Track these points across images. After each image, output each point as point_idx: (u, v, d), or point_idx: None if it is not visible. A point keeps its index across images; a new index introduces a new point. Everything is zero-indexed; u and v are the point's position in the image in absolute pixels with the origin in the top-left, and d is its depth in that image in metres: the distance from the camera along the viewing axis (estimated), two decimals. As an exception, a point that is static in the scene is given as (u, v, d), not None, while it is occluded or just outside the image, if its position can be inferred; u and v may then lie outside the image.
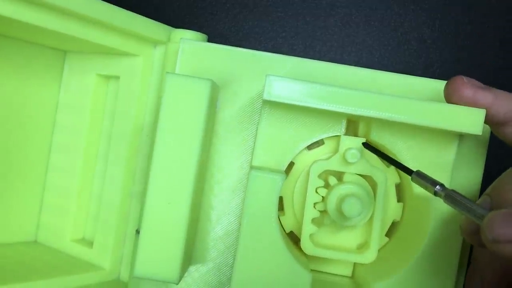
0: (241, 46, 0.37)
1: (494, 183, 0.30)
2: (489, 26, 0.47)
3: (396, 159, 0.34)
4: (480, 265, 0.33)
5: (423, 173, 0.29)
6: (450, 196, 0.28)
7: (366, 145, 0.33)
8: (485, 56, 0.46)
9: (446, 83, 0.32)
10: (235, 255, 0.32)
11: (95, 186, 0.44)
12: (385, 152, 0.35)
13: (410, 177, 0.31)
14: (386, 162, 0.35)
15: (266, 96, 0.31)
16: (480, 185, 0.36)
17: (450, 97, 0.32)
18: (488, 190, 0.30)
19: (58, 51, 0.43)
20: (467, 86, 0.31)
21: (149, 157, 0.40)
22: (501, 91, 0.31)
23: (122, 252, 0.41)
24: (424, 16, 0.47)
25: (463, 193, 0.35)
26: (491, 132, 0.34)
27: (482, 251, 0.33)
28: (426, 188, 0.29)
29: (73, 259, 0.42)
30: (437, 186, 0.28)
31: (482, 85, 0.31)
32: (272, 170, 0.33)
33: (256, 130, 0.35)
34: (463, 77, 0.31)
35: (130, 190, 0.41)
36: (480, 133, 0.30)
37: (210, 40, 0.40)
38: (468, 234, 0.29)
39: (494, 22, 0.46)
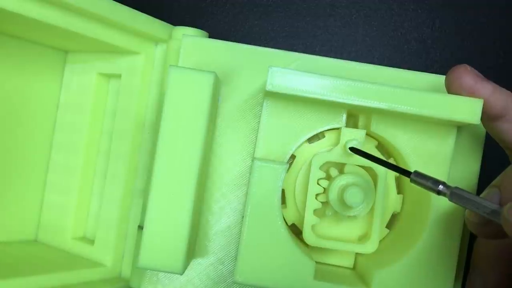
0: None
1: (502, 174, 0.30)
2: (489, 26, 0.48)
3: (393, 155, 0.36)
4: (482, 268, 0.34)
5: (422, 173, 0.30)
6: (456, 194, 0.28)
7: (354, 150, 0.34)
8: (485, 56, 0.48)
9: (449, 70, 0.33)
10: (239, 244, 0.34)
11: (96, 184, 0.45)
12: (385, 145, 0.37)
13: (410, 168, 0.33)
14: (386, 155, 0.37)
15: (268, 87, 0.33)
16: (477, 178, 0.38)
17: (450, 84, 0.33)
18: (495, 182, 0.30)
19: (60, 51, 0.45)
20: (469, 74, 0.33)
21: (151, 154, 0.42)
22: (500, 86, 0.33)
23: (123, 249, 0.42)
24: (424, 16, 0.49)
25: (461, 185, 0.36)
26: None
27: (484, 255, 0.34)
28: (427, 188, 0.29)
29: (74, 256, 0.43)
30: (440, 186, 0.28)
31: (483, 76, 0.33)
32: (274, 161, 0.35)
33: (258, 123, 0.37)
34: (467, 65, 0.33)
35: (132, 188, 0.42)
36: (478, 122, 0.32)
37: (210, 39, 0.41)
38: (474, 226, 0.30)
39: (494, 22, 0.48)
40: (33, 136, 0.44)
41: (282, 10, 0.49)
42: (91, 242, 0.43)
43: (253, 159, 0.35)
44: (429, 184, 0.29)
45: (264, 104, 0.36)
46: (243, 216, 0.35)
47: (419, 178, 0.29)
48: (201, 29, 0.42)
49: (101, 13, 0.37)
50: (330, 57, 0.39)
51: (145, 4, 0.48)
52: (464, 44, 0.48)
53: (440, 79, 0.37)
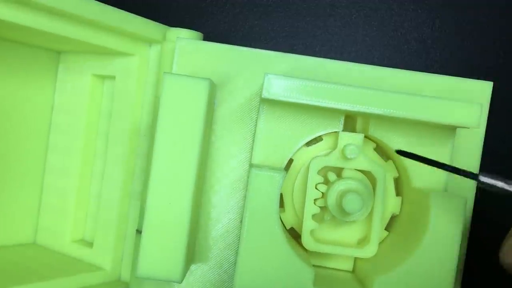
0: (241, 46, 0.39)
1: None
2: (489, 26, 0.48)
3: (392, 158, 0.36)
4: None
5: (491, 175, 0.27)
6: None
7: (402, 152, 0.33)
8: (485, 56, 0.48)
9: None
10: (237, 252, 0.34)
11: (93, 187, 0.45)
12: (383, 148, 0.37)
13: (408, 171, 0.33)
14: (384, 157, 0.37)
15: (265, 95, 0.33)
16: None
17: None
18: None
19: (52, 52, 0.45)
20: None
21: (147, 156, 0.42)
22: None
23: (122, 252, 0.42)
24: (424, 16, 0.49)
25: (460, 188, 0.37)
26: (487, 128, 0.36)
27: None
28: (497, 190, 0.27)
29: (73, 260, 0.43)
30: None
31: None
32: (272, 168, 0.35)
33: (255, 128, 0.37)
34: None
35: (129, 189, 0.42)
36: (476, 126, 0.32)
37: (210, 40, 0.41)
38: None
39: (494, 22, 0.48)
40: (29, 139, 0.44)
41: (282, 10, 0.49)
42: (90, 244, 0.43)
43: (250, 166, 0.35)
44: (500, 184, 0.27)
45: (261, 109, 0.36)
46: (241, 221, 0.35)
47: (489, 179, 0.28)
48: (201, 29, 0.42)
49: (92, 18, 0.37)
50: (330, 57, 0.39)
51: (143, 4, 0.48)
52: (464, 44, 0.48)
53: (440, 79, 0.38)
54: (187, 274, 0.38)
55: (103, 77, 0.45)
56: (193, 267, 0.39)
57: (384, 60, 0.48)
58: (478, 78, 0.39)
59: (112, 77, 0.43)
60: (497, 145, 0.41)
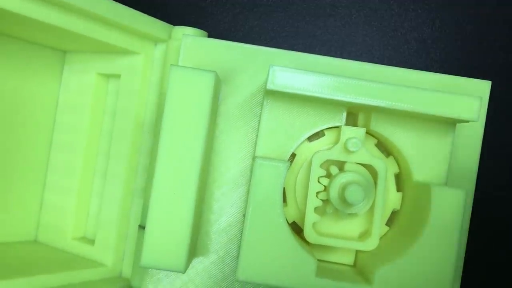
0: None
1: None
2: (489, 26, 0.49)
3: (392, 153, 0.37)
4: None
5: None
6: None
7: None
8: (485, 56, 0.49)
9: None
10: (240, 243, 0.34)
11: (96, 184, 0.46)
12: (384, 143, 0.37)
13: (410, 165, 0.33)
14: (385, 153, 0.38)
15: (269, 86, 0.33)
16: (476, 174, 0.38)
17: None
18: None
19: (58, 51, 0.45)
20: None
21: (150, 154, 0.42)
22: None
23: (124, 248, 0.43)
24: (424, 16, 0.49)
25: (460, 181, 0.37)
26: (486, 128, 0.37)
27: None
28: None
29: (74, 256, 0.43)
30: None
31: None
32: (276, 159, 0.35)
33: (258, 122, 0.38)
34: None
35: (132, 187, 0.43)
36: (476, 120, 0.33)
37: (209, 40, 0.42)
38: None
39: (494, 22, 0.49)
40: (33, 137, 0.44)
41: (282, 10, 0.50)
42: (91, 242, 0.44)
43: (254, 157, 0.35)
44: None
45: (264, 103, 0.37)
46: (244, 215, 0.35)
47: None
48: (201, 29, 0.42)
49: (100, 13, 0.37)
50: (330, 56, 0.39)
51: (144, 4, 0.48)
52: (464, 44, 0.49)
53: (439, 77, 0.38)
54: (189, 267, 0.38)
55: (108, 76, 0.45)
56: (194, 261, 0.39)
57: (384, 60, 0.49)
58: (477, 78, 0.40)
59: (117, 76, 0.44)
60: (497, 145, 0.41)
